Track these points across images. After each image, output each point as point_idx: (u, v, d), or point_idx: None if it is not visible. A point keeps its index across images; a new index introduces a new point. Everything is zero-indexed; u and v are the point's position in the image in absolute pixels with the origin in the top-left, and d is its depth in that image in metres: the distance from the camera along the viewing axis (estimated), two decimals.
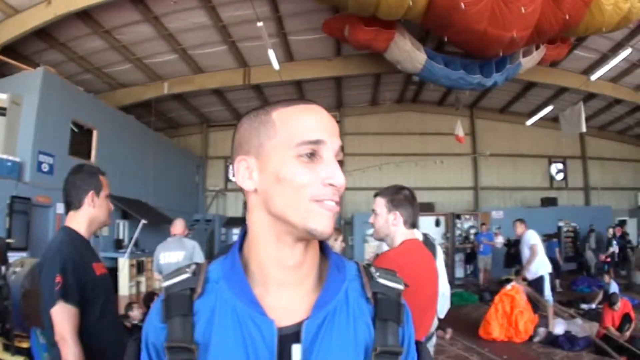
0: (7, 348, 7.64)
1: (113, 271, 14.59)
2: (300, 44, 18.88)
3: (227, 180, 27.69)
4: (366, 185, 24.15)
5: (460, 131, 20.61)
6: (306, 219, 1.32)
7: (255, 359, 1.29)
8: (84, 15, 15.70)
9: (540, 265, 11.69)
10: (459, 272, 24.14)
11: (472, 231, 23.93)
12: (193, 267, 1.46)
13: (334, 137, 1.37)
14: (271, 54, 16.93)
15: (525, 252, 11.89)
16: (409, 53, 16.04)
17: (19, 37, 15.72)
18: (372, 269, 1.48)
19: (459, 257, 24.32)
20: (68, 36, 17.26)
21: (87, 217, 3.53)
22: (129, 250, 16.88)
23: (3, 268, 7.70)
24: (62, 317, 3.12)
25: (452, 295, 16.38)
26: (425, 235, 5.01)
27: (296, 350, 1.30)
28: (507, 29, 14.16)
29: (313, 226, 1.32)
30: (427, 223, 23.89)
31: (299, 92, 23.69)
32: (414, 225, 3.90)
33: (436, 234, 24.06)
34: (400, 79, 22.22)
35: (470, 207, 25.86)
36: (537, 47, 16.95)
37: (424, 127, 25.86)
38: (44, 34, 16.56)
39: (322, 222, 1.32)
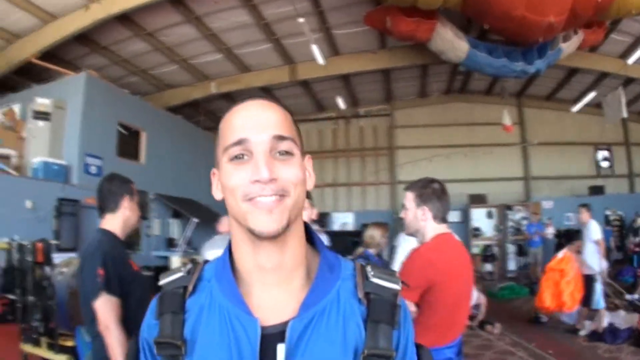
0: (51, 347, 7.98)
1: (165, 270, 15.21)
2: (344, 38, 18.76)
3: None
4: (418, 178, 23.71)
5: (507, 120, 20.24)
6: (245, 219, 1.34)
7: (239, 357, 1.31)
8: (124, 19, 15.94)
9: (598, 261, 11.28)
10: (512, 265, 23.66)
11: (524, 222, 23.29)
12: (189, 266, 1.51)
13: (261, 131, 1.34)
14: (315, 49, 16.99)
15: (589, 246, 11.37)
16: (451, 42, 15.92)
17: (58, 43, 16.04)
18: (368, 268, 1.44)
19: (511, 249, 23.82)
20: (110, 40, 17.58)
21: (122, 219, 3.90)
22: (181, 248, 17.18)
23: (48, 269, 8.07)
24: (106, 308, 3.41)
25: (503, 288, 16.28)
26: None
27: (280, 349, 1.31)
28: (544, 14, 13.89)
29: (252, 226, 1.32)
30: (479, 215, 23.87)
31: (347, 87, 23.64)
32: (444, 219, 3.85)
33: (488, 226, 24.00)
34: (446, 70, 21.91)
35: (521, 198, 25.26)
36: (575, 32, 16.67)
37: (472, 117, 25.35)
38: (85, 38, 16.88)
39: (259, 221, 1.31)
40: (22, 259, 8.22)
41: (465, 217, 23.86)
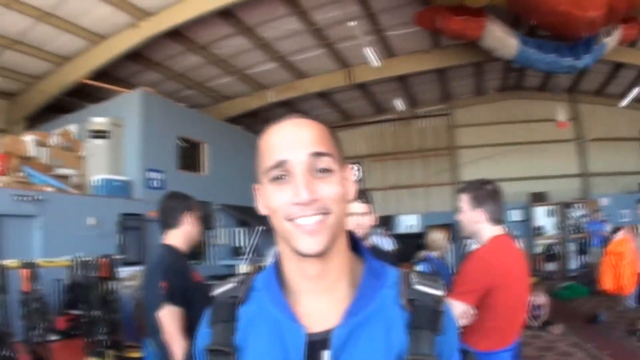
0: (117, 359, 8.16)
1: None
2: (397, 39, 18.63)
3: None
4: (480, 177, 23.18)
5: (561, 116, 19.98)
6: (289, 240, 1.35)
7: None
8: (175, 34, 16.18)
9: None
10: (573, 264, 22.87)
11: (583, 220, 22.73)
12: (241, 276, 1.57)
13: (299, 150, 1.34)
14: (368, 51, 17.04)
15: None
16: (501, 40, 15.80)
17: (108, 63, 16.44)
18: (412, 275, 1.44)
19: (572, 248, 23.09)
20: (162, 56, 17.89)
21: (184, 234, 4.03)
22: (248, 256, 17.28)
23: (112, 283, 8.25)
24: (169, 318, 3.54)
25: (564, 288, 16.02)
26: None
27: (325, 356, 1.33)
28: (585, 9, 13.79)
29: (296, 247, 1.34)
30: (540, 214, 23.40)
31: (404, 88, 23.51)
32: (499, 220, 3.80)
33: (550, 224, 23.52)
34: (500, 67, 21.52)
35: (579, 195, 24.59)
36: (615, 28, 16.44)
37: (529, 114, 24.79)
38: (138, 56, 17.21)
39: (302, 242, 1.32)
40: (86, 275, 8.36)
41: (527, 216, 23.43)
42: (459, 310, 3.38)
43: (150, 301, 3.73)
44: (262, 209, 1.46)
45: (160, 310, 3.56)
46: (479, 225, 3.76)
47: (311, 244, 1.32)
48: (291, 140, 1.36)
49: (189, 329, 3.49)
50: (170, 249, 3.94)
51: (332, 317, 1.37)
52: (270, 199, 1.37)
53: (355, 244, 1.54)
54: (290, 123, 1.41)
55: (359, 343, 1.33)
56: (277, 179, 1.35)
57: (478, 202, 3.75)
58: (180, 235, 4.01)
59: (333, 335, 1.34)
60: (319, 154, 1.35)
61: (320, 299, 1.43)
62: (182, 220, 4.03)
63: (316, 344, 1.34)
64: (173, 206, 4.07)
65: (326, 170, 1.36)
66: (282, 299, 1.43)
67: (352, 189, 1.49)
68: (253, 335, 1.42)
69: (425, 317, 1.36)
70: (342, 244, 1.45)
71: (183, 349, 3.44)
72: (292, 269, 1.45)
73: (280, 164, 1.34)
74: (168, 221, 4.04)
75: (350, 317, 1.36)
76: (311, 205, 1.30)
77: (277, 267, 1.50)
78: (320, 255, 1.35)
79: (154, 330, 3.70)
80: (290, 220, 1.33)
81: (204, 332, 1.51)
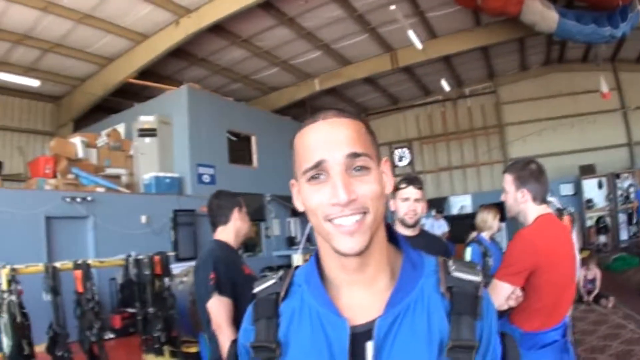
0: (174, 354, 8.19)
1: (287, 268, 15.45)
2: (439, 20, 18.43)
3: (394, 166, 26.90)
4: (530, 154, 22.04)
5: (604, 87, 19.58)
6: (329, 239, 1.36)
7: (331, 357, 1.35)
8: (218, 29, 16.25)
9: None
10: (623, 235, 22.51)
11: (632, 190, 22.16)
12: (280, 272, 1.58)
13: (337, 149, 1.34)
14: (411, 34, 16.90)
15: None
16: (541, 13, 15.56)
17: (153, 61, 16.63)
18: (450, 263, 1.45)
19: (622, 219, 22.66)
20: (206, 51, 18.03)
21: (234, 229, 4.15)
22: (301, 246, 17.28)
23: (167, 280, 8.25)
24: (218, 308, 3.62)
25: (615, 260, 15.78)
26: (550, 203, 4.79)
27: (369, 347, 1.33)
28: None
29: (335, 246, 1.35)
30: (590, 186, 22.95)
31: (449, 68, 23.39)
32: (544, 200, 3.76)
33: (600, 196, 23.04)
34: (542, 41, 21.15)
35: (627, 165, 23.95)
36: None
37: (573, 86, 24.40)
38: (182, 53, 17.37)
39: (341, 242, 1.33)
40: (140, 273, 8.36)
41: (578, 189, 23.03)
42: (506, 292, 3.40)
43: (201, 292, 3.83)
44: (299, 206, 1.49)
45: (209, 300, 3.64)
46: (524, 205, 3.72)
47: (351, 244, 1.33)
48: (328, 141, 1.36)
49: (238, 320, 3.40)
50: (220, 244, 4.05)
51: (373, 309, 1.38)
52: (308, 199, 1.38)
53: (392, 235, 1.54)
54: (326, 123, 1.40)
55: (401, 332, 1.34)
56: (314, 178, 1.36)
57: (522, 182, 3.71)
58: (230, 231, 4.13)
59: (375, 326, 1.34)
60: (356, 155, 1.34)
61: (361, 292, 1.43)
62: (231, 217, 4.14)
63: (359, 335, 1.35)
64: (222, 204, 4.18)
65: (363, 168, 1.35)
66: (324, 292, 1.44)
67: (390, 182, 1.48)
68: (296, 330, 1.43)
69: (464, 303, 1.36)
70: (381, 237, 1.45)
71: (230, 339, 3.31)
72: (332, 264, 1.45)
73: (317, 165, 1.34)
74: (217, 218, 4.17)
75: (391, 308, 1.36)
76: (349, 205, 1.30)
77: (317, 261, 1.52)
78: (360, 254, 1.35)
79: (205, 322, 3.81)
80: (329, 220, 1.33)
81: (248, 329, 1.52)
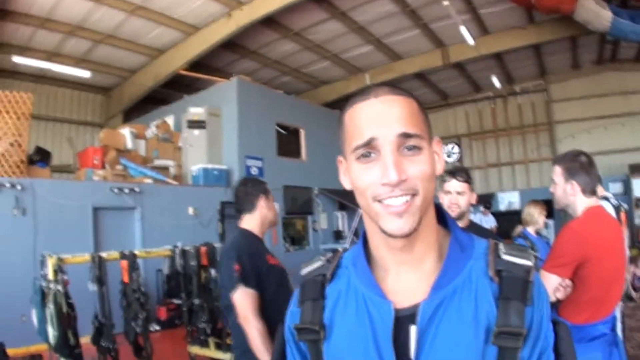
0: (219, 346, 8.16)
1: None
2: (491, 16, 18.16)
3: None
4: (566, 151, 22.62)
5: None
6: (377, 220, 1.34)
7: (375, 339, 1.35)
8: (269, 22, 16.23)
9: None
10: None
11: None
12: (329, 254, 1.60)
13: (387, 127, 1.32)
14: (463, 30, 16.67)
15: None
16: (595, 12, 15.32)
17: (204, 53, 16.67)
18: (500, 246, 1.42)
19: None
20: (258, 44, 18.03)
21: (260, 217, 4.13)
22: (349, 239, 17.24)
23: (213, 271, 8.22)
24: (243, 299, 3.65)
25: None
26: (605, 198, 4.85)
27: (413, 331, 1.33)
28: None
29: (383, 227, 1.33)
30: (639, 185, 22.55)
31: (500, 65, 23.07)
32: (593, 192, 3.72)
33: None
34: (595, 40, 20.70)
35: None
36: None
37: (625, 85, 23.92)
38: (233, 45, 17.42)
39: (389, 223, 1.31)
40: (186, 264, 8.34)
41: (627, 188, 22.60)
42: (553, 283, 3.40)
43: (225, 283, 3.83)
44: (346, 184, 1.47)
45: (234, 292, 3.67)
46: (573, 197, 3.70)
47: (399, 225, 1.31)
48: (380, 119, 1.33)
49: (263, 310, 3.69)
50: (245, 233, 4.05)
51: (419, 292, 1.37)
52: (357, 178, 1.36)
53: (442, 216, 1.52)
54: (379, 100, 1.37)
55: (447, 316, 1.32)
56: (364, 156, 1.33)
57: (571, 174, 3.69)
58: (256, 219, 4.12)
59: (420, 310, 1.32)
60: (408, 135, 1.31)
61: (408, 274, 1.41)
62: (258, 205, 4.12)
63: (404, 319, 1.34)
64: (248, 191, 4.17)
65: (415, 148, 1.32)
66: (370, 275, 1.43)
67: (441, 163, 1.45)
68: (341, 312, 1.44)
69: (514, 288, 1.32)
70: (430, 218, 1.43)
71: (258, 330, 3.54)
72: (379, 244, 1.43)
73: (368, 142, 1.32)
74: (243, 206, 4.16)
75: (437, 291, 1.34)
76: (400, 185, 1.29)
77: (365, 244, 1.51)
78: (408, 236, 1.33)
79: (230, 312, 3.82)
80: (379, 201, 1.32)
81: (294, 311, 1.54)
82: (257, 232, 4.10)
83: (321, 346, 1.44)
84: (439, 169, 1.42)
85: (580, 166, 3.66)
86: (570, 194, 3.67)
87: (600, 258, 3.41)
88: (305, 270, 1.55)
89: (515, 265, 1.34)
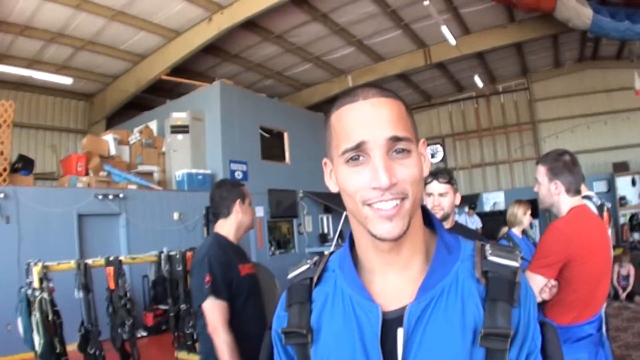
0: None
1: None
2: (472, 16, 18.23)
3: None
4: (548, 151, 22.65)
5: (638, 84, 19.35)
6: (365, 223, 1.34)
7: (362, 343, 1.35)
8: (250, 25, 16.17)
9: None
10: None
11: None
12: (315, 258, 1.59)
13: (377, 130, 1.31)
14: (444, 30, 16.69)
15: None
16: (575, 9, 15.40)
17: (186, 58, 16.61)
18: (487, 247, 1.43)
19: None
20: (239, 47, 18.00)
21: (235, 222, 4.10)
22: (334, 242, 17.26)
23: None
24: (213, 311, 3.64)
25: None
26: (588, 197, 4.83)
27: (400, 334, 1.32)
28: None
29: (372, 231, 1.33)
30: (623, 184, 22.58)
31: (483, 64, 23.21)
32: (577, 191, 3.75)
33: (634, 194, 22.65)
34: (576, 37, 20.93)
35: None
36: None
37: (607, 83, 24.12)
38: (215, 49, 17.37)
39: (379, 227, 1.31)
40: (172, 270, 8.31)
41: (611, 186, 22.68)
42: (539, 284, 3.41)
43: (196, 291, 3.84)
44: (332, 187, 1.48)
45: (205, 302, 3.67)
46: (557, 197, 3.73)
47: (389, 229, 1.31)
48: (369, 122, 1.33)
49: (233, 322, 3.71)
50: (219, 239, 4.02)
51: (406, 295, 1.37)
52: (346, 182, 1.36)
53: (428, 218, 1.53)
54: (367, 103, 1.36)
55: (434, 319, 1.32)
56: (353, 160, 1.33)
57: (555, 173, 3.72)
58: (231, 224, 4.09)
59: (406, 313, 1.33)
60: (397, 138, 1.32)
61: (395, 277, 1.42)
62: (233, 209, 4.09)
63: (391, 322, 1.34)
64: (223, 195, 4.13)
65: (404, 151, 1.33)
66: (357, 278, 1.43)
67: (427, 164, 1.47)
68: (328, 315, 1.44)
69: (500, 289, 1.33)
70: (417, 220, 1.43)
71: (226, 342, 3.57)
72: (367, 247, 1.44)
73: (358, 146, 1.31)
74: (218, 210, 4.14)
75: (423, 293, 1.35)
76: (390, 189, 1.29)
77: (351, 246, 1.52)
78: (397, 239, 1.33)
79: (199, 317, 3.85)
80: (368, 205, 1.31)
81: (281, 315, 1.54)
82: (231, 237, 4.08)
83: (309, 350, 1.45)
84: (426, 170, 1.43)
85: (563, 165, 3.69)
86: (555, 194, 3.70)
87: (585, 258, 3.43)
88: (292, 274, 1.56)
89: (501, 266, 1.35)
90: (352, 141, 1.31)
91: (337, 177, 1.40)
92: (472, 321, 1.30)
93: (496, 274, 1.34)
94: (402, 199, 1.30)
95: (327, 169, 1.49)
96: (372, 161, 1.29)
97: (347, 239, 1.53)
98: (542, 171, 3.77)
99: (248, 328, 3.81)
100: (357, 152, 1.31)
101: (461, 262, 1.40)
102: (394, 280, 1.41)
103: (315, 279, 1.50)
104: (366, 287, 1.40)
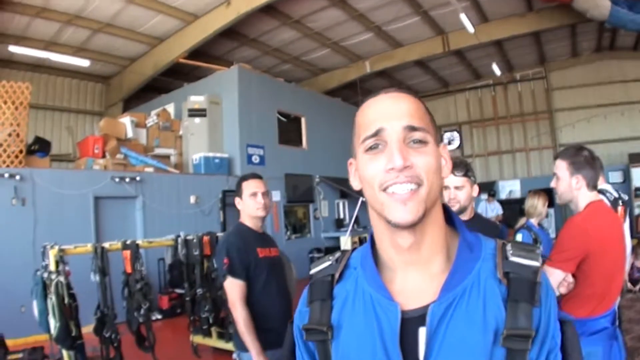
0: (221, 336, 8.14)
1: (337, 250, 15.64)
2: (491, 4, 18.22)
3: None
4: (579, 140, 22.20)
5: None
6: (382, 210, 1.34)
7: (382, 342, 1.33)
8: (269, 9, 16.14)
9: None
10: None
11: None
12: (337, 254, 1.58)
13: (395, 119, 1.34)
14: (463, 17, 16.60)
15: None
16: (593, 1, 15.40)
17: (204, 41, 16.59)
18: (508, 247, 1.41)
19: None
20: (258, 32, 17.95)
21: (243, 214, 4.57)
22: (350, 228, 17.24)
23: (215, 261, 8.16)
24: (232, 288, 4.17)
25: None
26: (602, 192, 4.88)
27: (422, 333, 1.31)
28: None
29: (388, 217, 1.33)
30: (639, 174, 22.32)
31: (500, 52, 23.15)
32: (595, 186, 3.76)
33: None
34: (594, 28, 20.80)
35: None
36: None
37: (624, 74, 23.97)
38: (233, 33, 17.33)
39: (395, 212, 1.31)
40: (189, 254, 8.28)
41: (627, 177, 22.52)
42: (558, 278, 3.44)
43: (219, 274, 4.66)
44: (355, 184, 1.49)
45: (224, 282, 4.21)
46: (577, 192, 3.72)
47: (404, 213, 1.31)
48: (388, 112, 1.37)
49: (253, 299, 4.22)
50: (239, 228, 4.53)
51: (428, 294, 1.36)
52: (364, 169, 1.38)
53: (450, 216, 1.51)
54: (388, 96, 1.42)
55: (456, 318, 1.31)
56: (372, 148, 1.36)
57: (577, 168, 3.70)
58: (244, 215, 4.56)
59: (429, 312, 1.31)
60: (414, 128, 1.35)
61: (416, 275, 1.41)
62: (237, 204, 4.57)
63: (412, 321, 1.33)
64: (235, 190, 4.61)
65: (421, 142, 1.35)
66: (377, 276, 1.42)
67: (448, 167, 1.47)
68: (349, 313, 1.43)
69: (521, 290, 1.32)
70: (437, 216, 1.43)
71: (242, 316, 4.07)
72: (387, 244, 1.43)
73: (376, 133, 1.34)
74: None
75: (446, 293, 1.33)
76: (404, 171, 1.30)
77: (373, 244, 1.51)
78: (413, 225, 1.33)
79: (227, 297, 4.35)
80: (384, 189, 1.32)
81: (302, 311, 1.53)
82: (250, 224, 4.52)
83: (329, 347, 1.44)
84: (446, 172, 1.44)
85: (585, 160, 3.68)
86: (576, 188, 3.68)
87: (603, 252, 3.44)
88: (315, 270, 1.56)
89: (522, 267, 1.34)
90: (371, 129, 1.35)
91: (359, 168, 1.41)
92: (494, 321, 1.29)
93: (518, 275, 1.33)
94: (418, 185, 1.31)
95: (352, 169, 1.50)
96: (389, 146, 1.32)
97: (369, 238, 1.53)
98: (563, 166, 3.74)
99: (271, 303, 4.29)
100: (376, 140, 1.34)
101: (483, 261, 1.39)
102: (415, 279, 1.40)
103: (337, 276, 1.50)
104: (386, 286, 1.40)
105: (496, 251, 1.40)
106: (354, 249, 1.58)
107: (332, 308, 1.45)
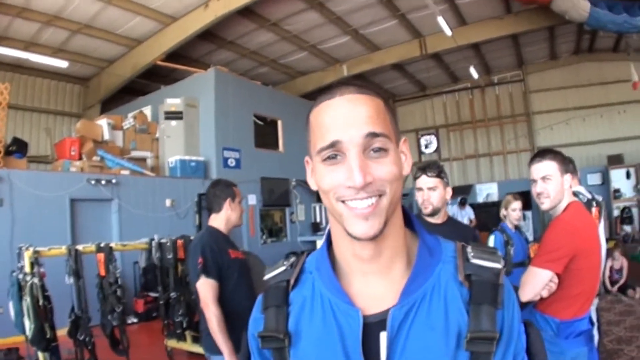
0: (196, 340, 8.23)
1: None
2: (469, 7, 18.26)
3: (420, 153, 27.31)
4: (557, 143, 22.76)
5: (635, 77, 19.34)
6: (342, 221, 1.31)
7: (343, 348, 1.32)
8: (247, 12, 16.20)
9: None
10: None
11: None
12: (292, 259, 1.53)
13: (353, 128, 1.28)
14: (440, 20, 16.68)
15: None
16: (572, 1, 15.44)
17: (182, 43, 16.62)
18: (468, 249, 1.39)
19: None
20: (235, 34, 17.98)
21: (225, 218, 4.62)
22: (326, 232, 17.28)
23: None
24: (205, 288, 4.19)
25: None
26: (575, 194, 4.78)
27: (383, 338, 1.30)
28: None
29: (348, 229, 1.30)
30: (618, 176, 22.59)
31: (478, 55, 23.20)
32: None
33: (628, 187, 22.68)
34: (572, 29, 20.94)
35: None
36: None
37: (603, 76, 24.17)
38: (211, 35, 17.36)
39: (355, 226, 1.28)
40: (163, 257, 8.34)
41: (605, 179, 22.72)
42: (545, 279, 3.36)
43: (192, 273, 4.40)
44: (312, 185, 1.43)
45: (198, 281, 4.20)
46: (567, 191, 3.66)
47: (364, 229, 1.28)
48: (345, 120, 1.30)
49: (225, 299, 4.26)
50: (211, 230, 4.57)
51: (388, 298, 1.34)
52: (322, 179, 1.33)
53: (408, 219, 1.49)
54: (344, 100, 1.33)
55: (417, 323, 1.30)
56: (329, 158, 1.30)
57: (565, 169, 3.67)
58: (222, 219, 4.61)
59: (389, 317, 1.29)
60: (374, 134, 1.28)
61: (376, 280, 1.38)
62: (224, 207, 4.62)
63: (373, 326, 1.31)
64: (217, 193, 4.66)
65: (381, 150, 1.30)
66: (335, 281, 1.39)
67: (409, 163, 1.43)
68: (307, 319, 1.40)
69: (484, 292, 1.31)
70: (397, 222, 1.41)
71: (215, 315, 4.11)
72: (345, 250, 1.40)
73: (332, 145, 1.29)
74: (212, 206, 4.69)
75: (406, 297, 1.32)
76: (365, 188, 1.26)
77: (329, 247, 1.48)
78: (374, 237, 1.30)
79: (197, 298, 4.36)
80: (342, 202, 1.29)
81: (257, 318, 1.49)
82: (222, 229, 4.58)
83: (287, 354, 1.40)
84: (407, 169, 1.41)
85: (569, 161, 3.83)
86: (566, 187, 3.65)
87: (591, 251, 3.49)
88: (268, 276, 1.51)
89: (484, 269, 1.34)
90: (326, 140, 1.29)
91: (315, 175, 1.38)
92: (456, 325, 1.29)
93: (480, 277, 1.32)
94: (379, 196, 1.28)
95: (309, 168, 1.47)
96: (348, 160, 1.27)
97: (325, 240, 1.52)
98: (554, 167, 3.65)
99: (241, 303, 4.26)
100: (333, 151, 1.29)
101: (443, 264, 1.38)
102: (375, 283, 1.38)
103: (292, 282, 1.45)
104: (345, 290, 1.37)
105: (456, 253, 1.40)
106: (309, 252, 1.57)
107: (288, 314, 1.42)
